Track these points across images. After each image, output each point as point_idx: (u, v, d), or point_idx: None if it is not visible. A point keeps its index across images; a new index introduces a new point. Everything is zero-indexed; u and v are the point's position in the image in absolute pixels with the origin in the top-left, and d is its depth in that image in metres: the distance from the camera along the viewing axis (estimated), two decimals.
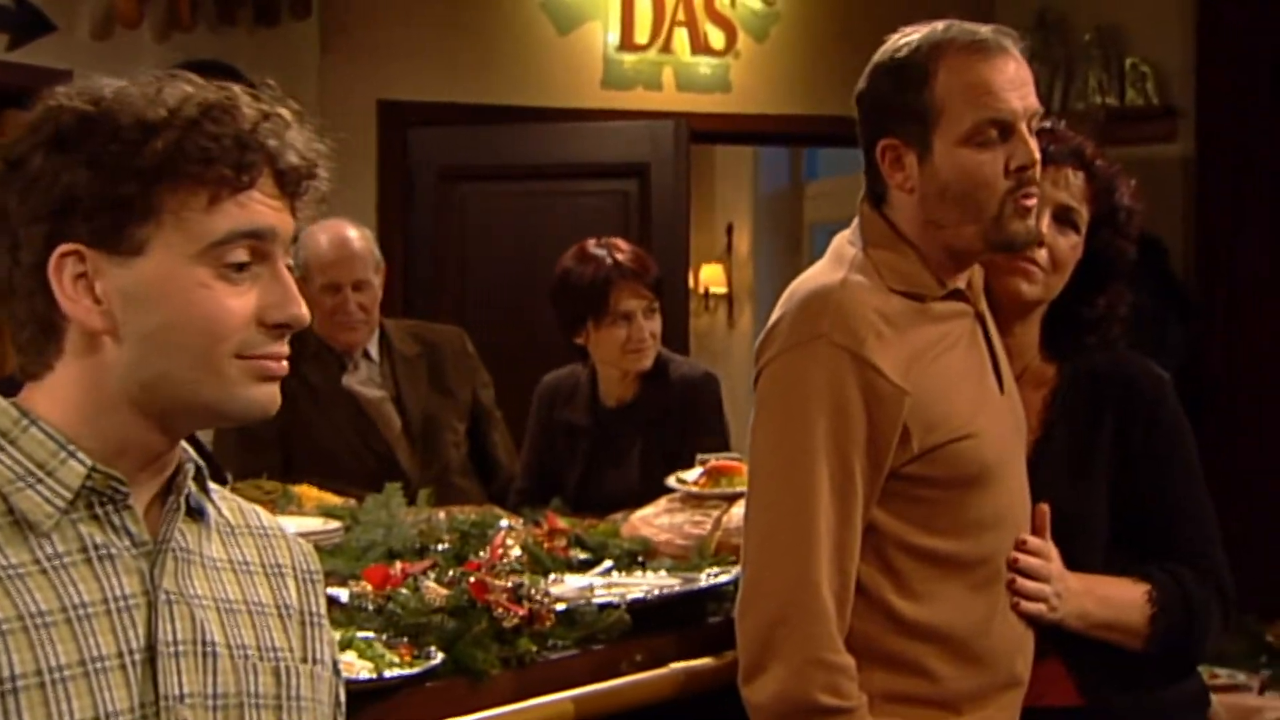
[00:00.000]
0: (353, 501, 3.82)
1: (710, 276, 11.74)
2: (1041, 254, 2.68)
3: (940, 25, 2.54)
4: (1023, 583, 2.59)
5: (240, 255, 1.63)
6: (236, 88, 1.66)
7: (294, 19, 6.75)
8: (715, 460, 3.72)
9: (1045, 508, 2.65)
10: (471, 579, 2.84)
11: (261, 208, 1.64)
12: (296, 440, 4.49)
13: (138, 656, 1.59)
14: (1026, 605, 2.60)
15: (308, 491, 3.96)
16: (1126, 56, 7.34)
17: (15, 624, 1.53)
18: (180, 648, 1.62)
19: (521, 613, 2.77)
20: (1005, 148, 2.49)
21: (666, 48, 7.53)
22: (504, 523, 3.59)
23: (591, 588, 3.13)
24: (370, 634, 2.69)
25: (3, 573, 1.55)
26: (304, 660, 1.77)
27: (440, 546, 3.35)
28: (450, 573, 2.94)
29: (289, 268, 1.69)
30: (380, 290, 4.63)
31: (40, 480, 1.60)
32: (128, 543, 1.62)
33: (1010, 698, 2.61)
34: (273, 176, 1.65)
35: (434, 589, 2.83)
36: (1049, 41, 7.47)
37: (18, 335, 1.66)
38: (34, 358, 1.65)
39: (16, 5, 6.00)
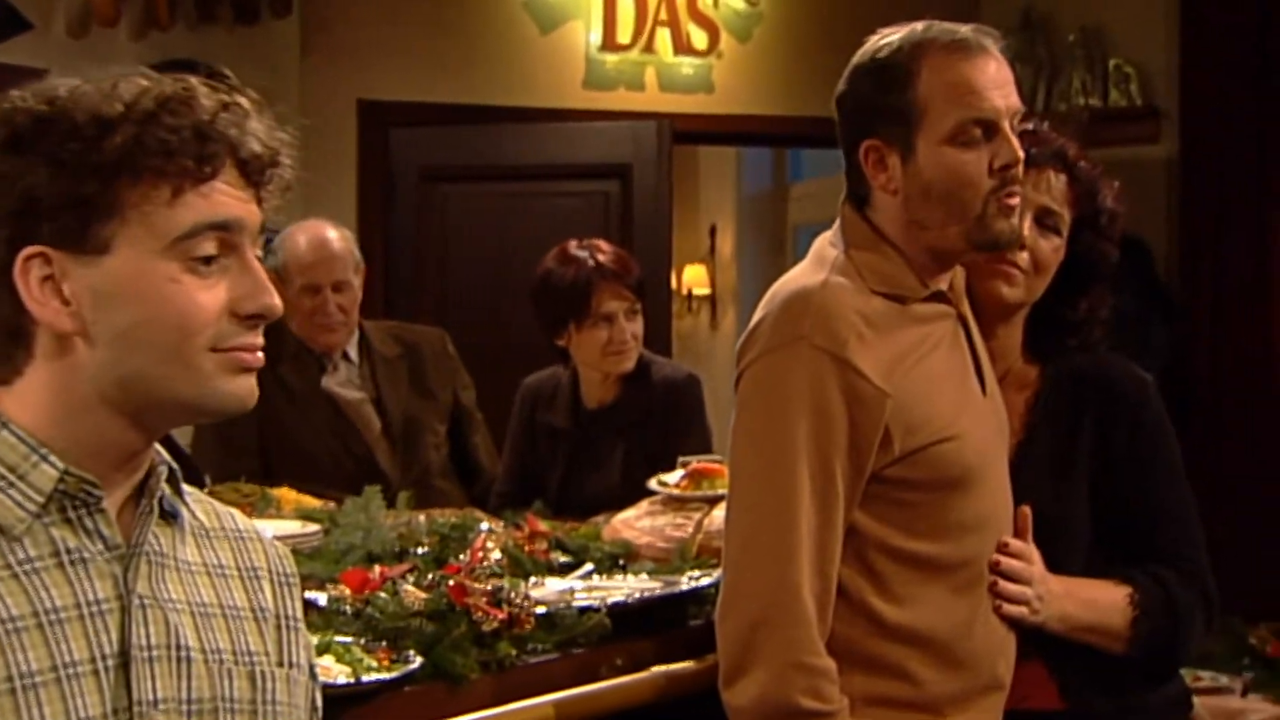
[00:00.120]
0: (332, 504, 3.81)
1: (693, 278, 11.74)
2: (1023, 257, 2.68)
3: (920, 25, 2.54)
4: (1004, 585, 2.59)
5: (208, 248, 1.62)
6: (194, 79, 1.64)
7: (274, 17, 6.72)
8: (697, 462, 3.71)
9: (1027, 510, 2.64)
10: (451, 582, 2.83)
11: (226, 198, 1.63)
12: (275, 443, 4.47)
13: (111, 662, 1.58)
14: (1008, 608, 2.59)
15: (286, 494, 3.94)
16: (1110, 57, 7.35)
17: None
18: (154, 652, 1.61)
19: (501, 616, 2.76)
20: (989, 147, 2.49)
21: (649, 48, 7.52)
22: (484, 526, 3.58)
23: (572, 591, 3.12)
24: (348, 638, 2.67)
25: None
26: (280, 664, 1.76)
27: (420, 550, 3.34)
28: (429, 576, 2.93)
29: (259, 258, 1.67)
30: (360, 291, 4.60)
31: (12, 484, 1.58)
32: (101, 546, 1.61)
33: (992, 701, 2.60)
34: (235, 166, 1.64)
35: (413, 592, 2.81)
36: (1033, 42, 7.48)
37: None
38: (3, 364, 1.63)
39: None
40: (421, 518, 3.67)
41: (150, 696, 1.60)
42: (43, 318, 1.59)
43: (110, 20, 6.28)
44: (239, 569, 1.77)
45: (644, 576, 3.26)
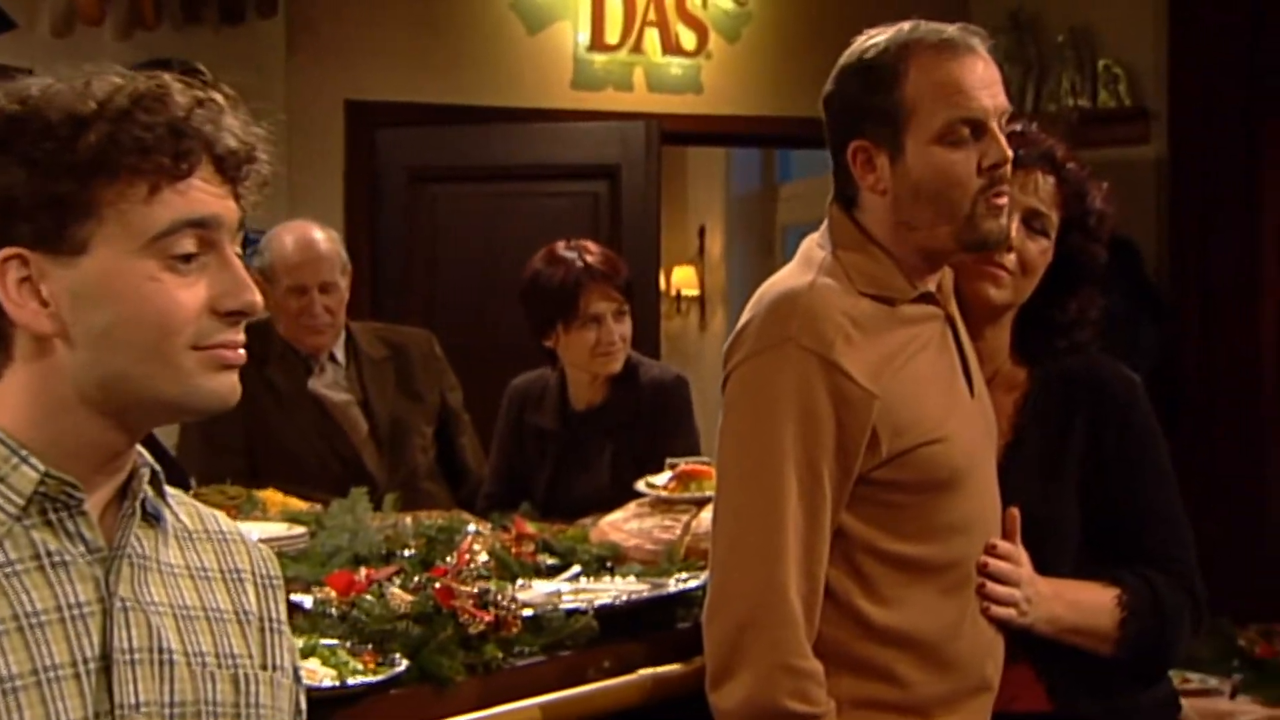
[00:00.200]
0: (318, 507, 3.79)
1: (682, 279, 11.73)
2: (1010, 258, 2.67)
3: (906, 26, 2.53)
4: (992, 587, 2.58)
5: (186, 246, 1.61)
6: (168, 76, 1.64)
7: (260, 18, 6.71)
8: (685, 464, 3.70)
9: (1015, 512, 2.64)
10: (437, 585, 2.82)
11: (203, 195, 1.62)
12: (261, 444, 4.46)
13: (92, 665, 1.58)
14: (996, 610, 2.59)
15: (272, 496, 3.93)
16: (1099, 58, 7.36)
17: None
18: (136, 656, 1.60)
19: (488, 619, 2.74)
20: (977, 146, 2.48)
21: (637, 48, 7.52)
22: (471, 528, 3.57)
23: (559, 593, 3.10)
24: (334, 641, 2.66)
25: None
26: (263, 667, 1.75)
27: (407, 552, 3.32)
28: (416, 578, 2.92)
29: (238, 255, 1.66)
30: (347, 292, 4.59)
31: None
32: (82, 549, 1.61)
33: (980, 703, 2.60)
34: (212, 163, 1.63)
35: (399, 595, 2.80)
36: (1022, 42, 7.49)
37: None
38: None
39: None
40: (408, 520, 3.66)
41: (132, 700, 1.59)
42: (21, 319, 1.59)
43: (95, 20, 6.27)
44: (222, 571, 1.76)
45: (631, 579, 3.25)
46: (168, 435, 4.37)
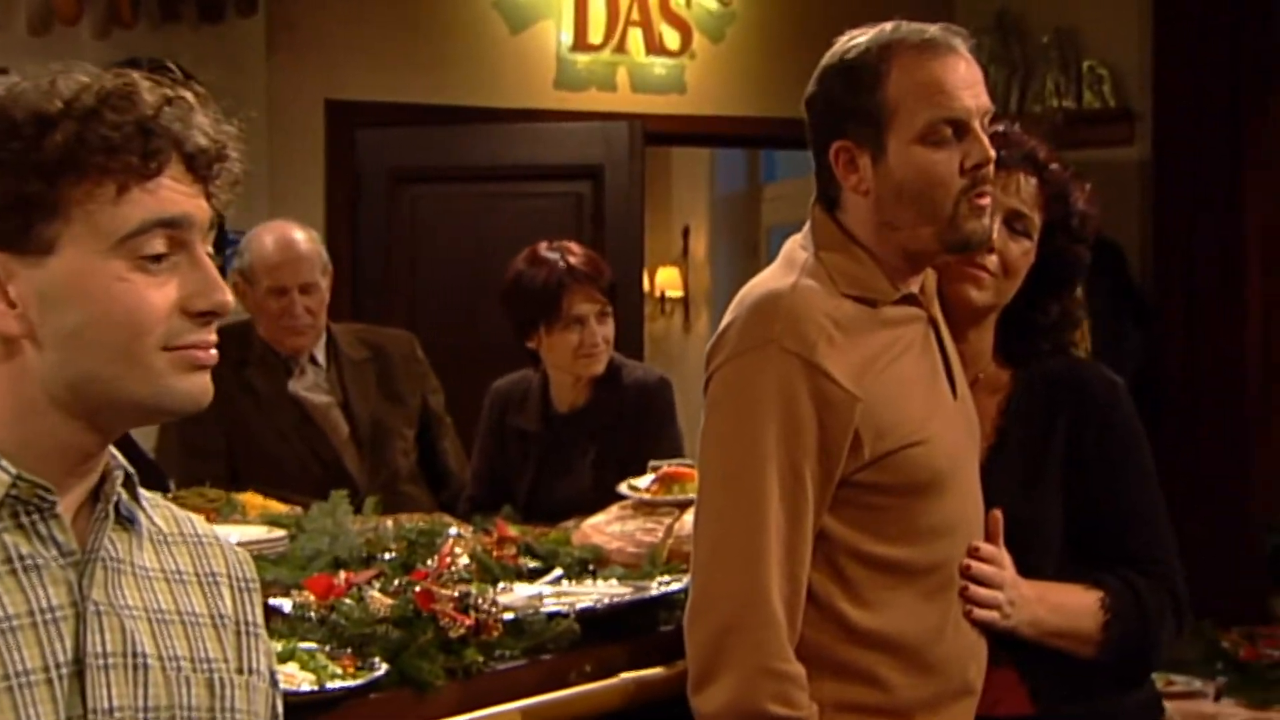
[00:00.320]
0: (298, 510, 3.78)
1: (666, 280, 11.72)
2: (991, 260, 2.66)
3: (888, 26, 2.53)
4: (975, 590, 2.58)
5: (156, 246, 1.59)
6: (136, 74, 1.62)
7: (239, 16, 6.68)
8: (668, 467, 3.69)
9: (998, 514, 2.63)
10: (417, 588, 2.81)
11: (173, 194, 1.61)
12: (241, 447, 4.44)
13: (65, 670, 1.56)
14: (979, 613, 2.58)
15: (252, 499, 3.92)
16: (1084, 59, 7.37)
17: None
18: (110, 660, 1.59)
19: (468, 622, 2.74)
20: (960, 146, 2.48)
21: (621, 48, 7.51)
22: (452, 531, 3.55)
23: (541, 596, 3.09)
24: (313, 645, 2.65)
25: None
26: (239, 671, 1.74)
27: (387, 555, 3.31)
28: (396, 582, 2.91)
29: (210, 254, 1.65)
30: (328, 293, 4.56)
31: None
32: (55, 553, 1.59)
33: (963, 706, 2.59)
34: (182, 161, 1.62)
35: (379, 599, 2.79)
36: (1007, 43, 7.50)
37: None
38: None
39: None
40: (389, 523, 3.64)
41: (105, 705, 1.58)
42: None
43: (72, 19, 6.24)
44: (198, 575, 1.75)
45: (614, 582, 3.24)
46: (146, 437, 4.35)
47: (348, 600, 2.80)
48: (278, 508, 3.89)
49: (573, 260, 4.26)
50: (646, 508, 3.56)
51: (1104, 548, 2.71)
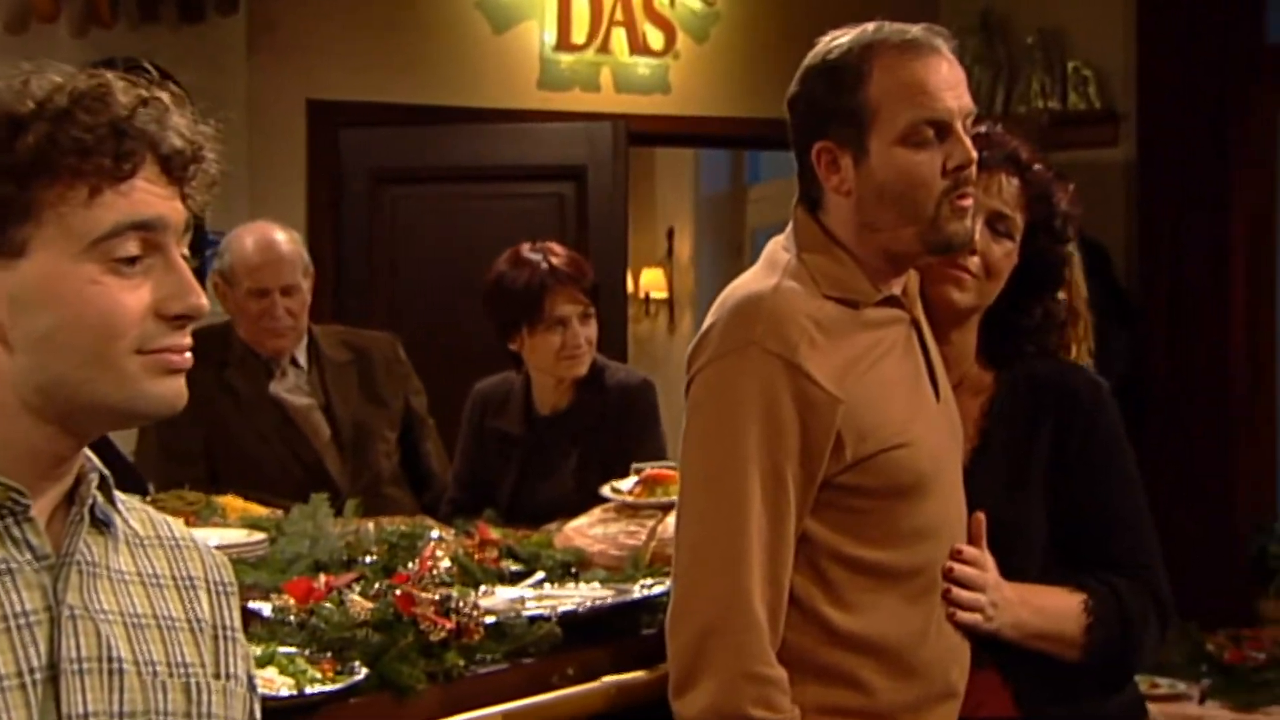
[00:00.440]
0: (279, 512, 3.76)
1: (651, 281, 11.71)
2: (974, 261, 2.66)
3: (870, 26, 2.52)
4: (958, 593, 2.57)
5: (130, 248, 1.58)
6: (110, 74, 1.61)
7: (220, 15, 6.65)
8: (650, 469, 3.69)
9: (981, 516, 2.63)
10: (398, 592, 2.80)
11: (147, 196, 1.59)
12: (221, 450, 4.42)
13: (39, 676, 1.55)
14: (962, 615, 2.57)
15: (232, 502, 3.90)
16: (1069, 60, 7.37)
17: None
18: (85, 665, 1.58)
19: (449, 626, 2.73)
20: (942, 148, 2.47)
21: (604, 48, 7.49)
22: (434, 534, 3.54)
23: (522, 600, 3.10)
24: (293, 649, 2.64)
25: None
26: (216, 676, 1.73)
27: (368, 559, 3.30)
28: (376, 585, 2.90)
29: (185, 257, 1.63)
30: (309, 295, 4.54)
31: None
32: (29, 556, 1.58)
33: (946, 709, 2.59)
34: (156, 163, 1.60)
35: (359, 602, 2.79)
36: (992, 44, 7.50)
37: None
38: None
39: None
40: (370, 526, 3.64)
41: (80, 710, 1.56)
42: None
43: (49, 16, 6.22)
44: (175, 578, 1.74)
45: (596, 585, 3.25)
46: (125, 441, 4.33)
47: (328, 604, 2.79)
48: (258, 511, 3.87)
49: (555, 261, 4.25)
50: (629, 510, 3.56)
51: (1087, 550, 2.71)
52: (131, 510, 1.74)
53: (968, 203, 2.50)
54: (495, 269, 4.32)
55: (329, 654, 2.64)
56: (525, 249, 4.31)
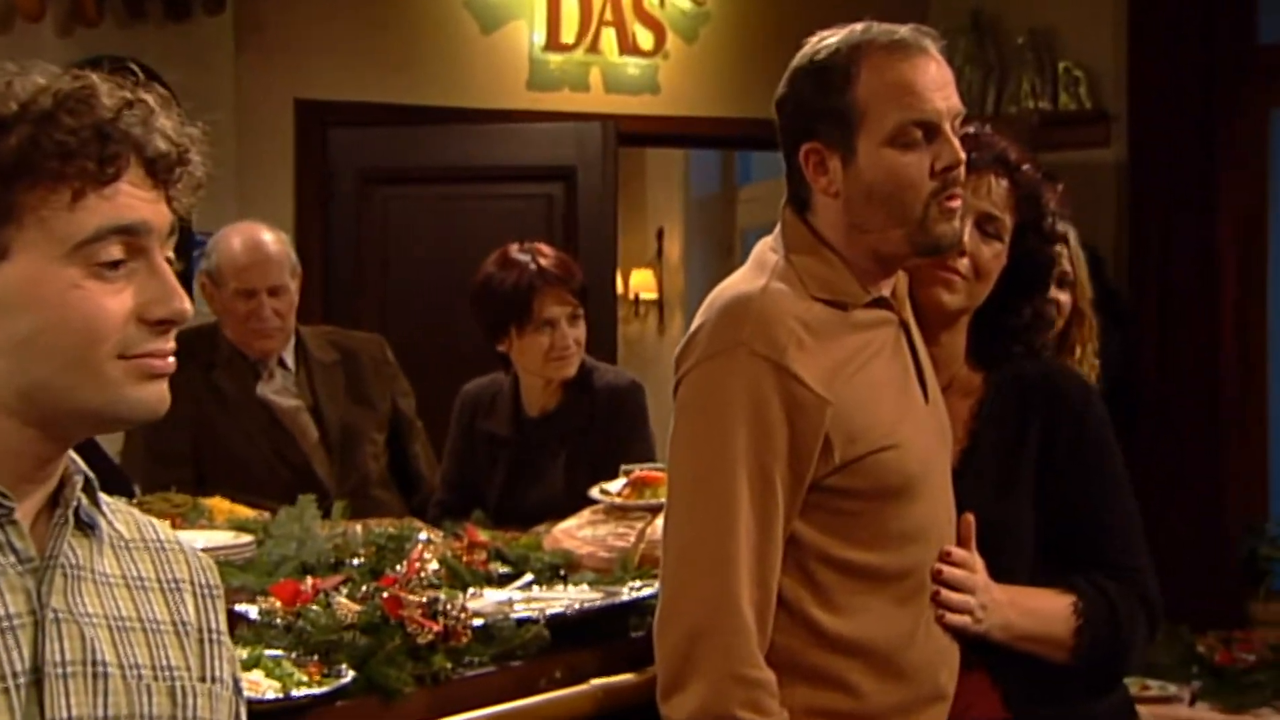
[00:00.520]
0: (266, 515, 3.75)
1: (641, 282, 11.71)
2: (963, 263, 2.66)
3: (859, 26, 2.52)
4: (947, 595, 2.57)
5: (113, 252, 1.57)
6: (95, 76, 1.59)
7: (207, 14, 6.63)
8: (639, 471, 3.69)
9: (970, 518, 2.63)
10: (385, 594, 2.79)
11: (131, 200, 1.58)
12: (208, 452, 4.41)
13: (23, 679, 1.54)
14: (951, 617, 2.57)
15: (219, 504, 3.89)
16: (1060, 60, 7.37)
17: None
18: (69, 669, 1.57)
19: (436, 629, 2.72)
20: (930, 149, 2.47)
21: (594, 48, 7.48)
22: (422, 536, 3.53)
23: (510, 602, 3.09)
24: (279, 652, 2.63)
25: None
26: (202, 679, 1.72)
27: (356, 561, 3.29)
28: (364, 588, 2.89)
29: (169, 260, 1.62)
30: (297, 296, 4.53)
31: None
32: (13, 559, 1.57)
33: (935, 712, 2.58)
34: (141, 166, 1.59)
35: (346, 605, 2.78)
36: (982, 44, 7.50)
37: None
38: None
39: None
40: (358, 528, 3.62)
41: (64, 714, 1.55)
42: None
43: (35, 15, 6.20)
44: (160, 581, 1.73)
45: (585, 587, 3.23)
46: (112, 443, 4.32)
47: (315, 606, 2.78)
48: (245, 513, 3.86)
49: (544, 262, 4.25)
50: (618, 512, 3.56)
51: (1076, 552, 2.70)
52: (117, 513, 1.73)
53: (956, 204, 2.50)
54: (483, 270, 4.31)
55: (316, 657, 2.63)
56: (514, 250, 4.30)
